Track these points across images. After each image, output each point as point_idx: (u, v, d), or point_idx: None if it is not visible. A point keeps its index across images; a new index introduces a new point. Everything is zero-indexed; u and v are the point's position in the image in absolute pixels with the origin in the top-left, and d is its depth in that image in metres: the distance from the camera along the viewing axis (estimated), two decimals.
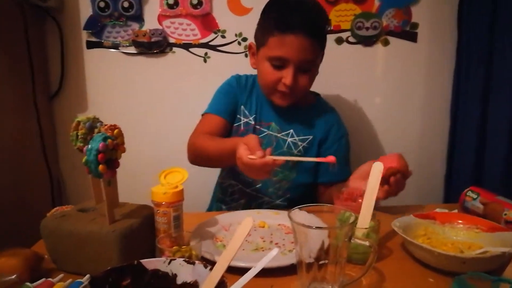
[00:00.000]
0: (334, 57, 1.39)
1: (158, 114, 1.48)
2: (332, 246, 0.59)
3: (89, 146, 0.65)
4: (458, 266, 0.66)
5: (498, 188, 1.24)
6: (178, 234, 0.72)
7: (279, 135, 1.16)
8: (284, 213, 0.94)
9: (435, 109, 1.48)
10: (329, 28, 1.23)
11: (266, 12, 1.09)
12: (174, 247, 0.66)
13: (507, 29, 1.29)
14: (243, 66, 1.29)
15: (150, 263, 0.58)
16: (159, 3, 1.39)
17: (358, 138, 1.43)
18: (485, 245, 0.73)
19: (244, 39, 1.41)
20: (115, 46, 1.42)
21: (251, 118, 1.18)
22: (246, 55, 1.40)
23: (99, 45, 1.42)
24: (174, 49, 1.42)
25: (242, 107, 1.19)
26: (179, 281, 0.57)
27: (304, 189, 1.19)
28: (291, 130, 1.17)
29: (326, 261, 0.60)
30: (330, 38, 1.41)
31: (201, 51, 1.43)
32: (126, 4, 1.37)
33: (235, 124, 1.18)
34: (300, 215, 0.64)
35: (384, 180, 0.88)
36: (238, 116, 1.18)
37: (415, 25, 1.42)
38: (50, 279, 0.63)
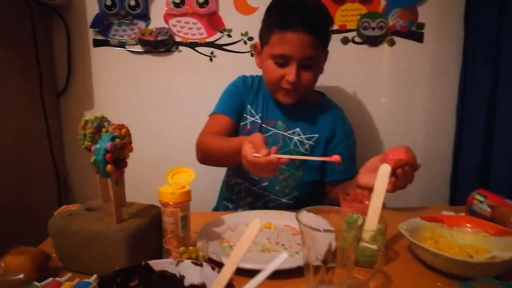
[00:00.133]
0: (340, 57, 1.40)
1: (164, 112, 1.48)
2: (340, 249, 0.59)
3: (97, 145, 0.65)
4: (467, 270, 0.66)
5: (504, 189, 1.25)
6: (185, 234, 0.72)
7: (285, 133, 1.17)
8: (289, 214, 0.95)
9: (440, 109, 1.47)
10: (332, 28, 1.22)
11: (268, 11, 1.11)
12: (181, 248, 0.66)
13: None
14: (249, 66, 1.29)
15: (157, 264, 0.58)
16: (165, 2, 1.39)
17: (363, 137, 1.42)
18: (493, 249, 0.73)
19: (250, 39, 1.41)
20: (122, 45, 1.42)
21: (257, 117, 1.18)
22: (252, 55, 1.39)
23: (105, 43, 1.42)
24: (180, 47, 1.42)
25: (249, 106, 1.19)
26: (186, 283, 0.57)
27: (311, 187, 1.20)
28: (297, 129, 1.17)
29: (334, 264, 0.59)
30: (336, 38, 1.40)
31: (207, 50, 1.43)
32: (132, 3, 1.37)
33: (241, 123, 1.19)
34: (307, 216, 0.64)
35: (392, 172, 0.87)
36: (245, 115, 1.19)
37: (421, 25, 1.41)
38: (57, 278, 0.63)
